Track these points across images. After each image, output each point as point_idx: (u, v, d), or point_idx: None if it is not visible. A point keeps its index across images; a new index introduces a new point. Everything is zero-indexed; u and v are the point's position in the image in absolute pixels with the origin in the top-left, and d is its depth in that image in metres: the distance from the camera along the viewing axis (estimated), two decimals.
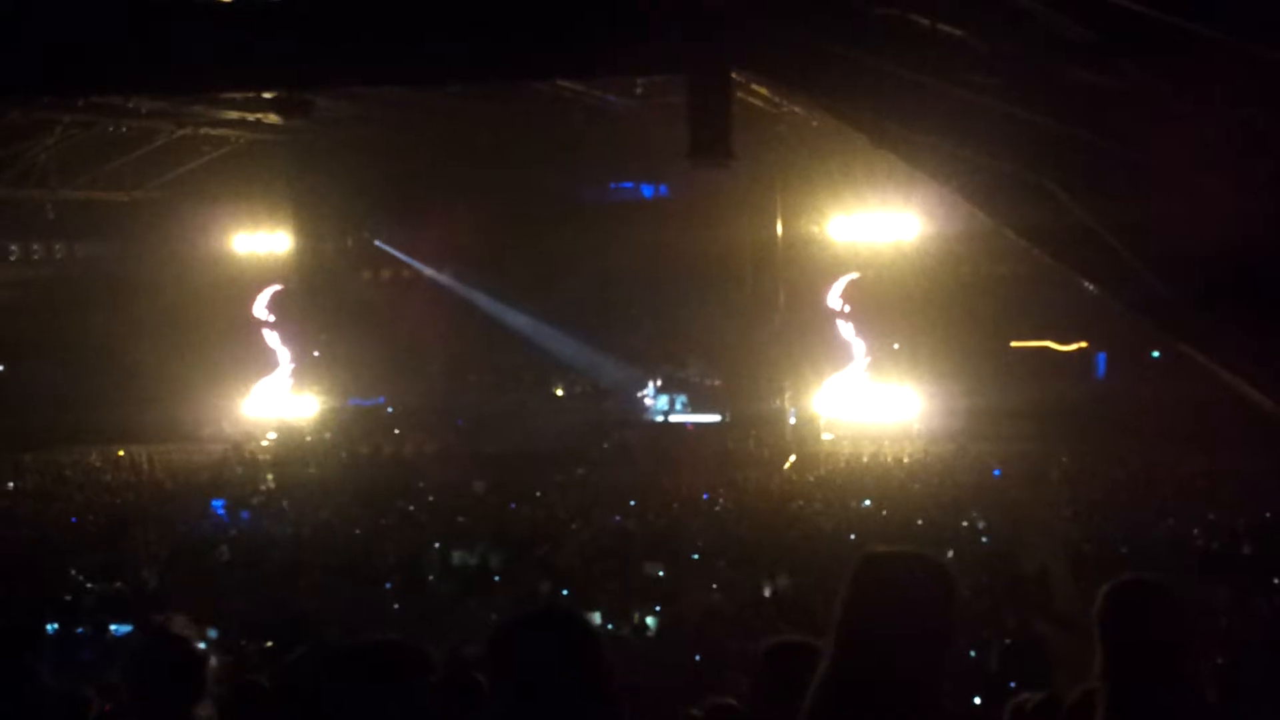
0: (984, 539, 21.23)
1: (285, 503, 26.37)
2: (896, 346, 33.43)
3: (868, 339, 33.93)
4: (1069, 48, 7.50)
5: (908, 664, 3.31)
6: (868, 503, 24.16)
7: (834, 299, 33.89)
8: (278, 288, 36.46)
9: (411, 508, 25.25)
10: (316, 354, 35.94)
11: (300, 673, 5.95)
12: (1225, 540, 20.41)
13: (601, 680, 3.42)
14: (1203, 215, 7.25)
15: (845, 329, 34.06)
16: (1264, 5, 5.42)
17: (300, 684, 5.63)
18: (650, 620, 16.80)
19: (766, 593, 18.05)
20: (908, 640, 3.31)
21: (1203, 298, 7.90)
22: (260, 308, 36.64)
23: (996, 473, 27.20)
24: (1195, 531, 21.18)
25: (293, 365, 36.41)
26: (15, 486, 28.58)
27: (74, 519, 24.21)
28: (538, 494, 26.12)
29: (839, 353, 33.99)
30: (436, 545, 21.18)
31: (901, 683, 3.29)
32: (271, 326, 36.75)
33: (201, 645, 4.63)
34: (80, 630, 16.47)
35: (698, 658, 15.17)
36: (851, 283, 33.61)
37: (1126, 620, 3.64)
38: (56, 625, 16.21)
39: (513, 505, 25.06)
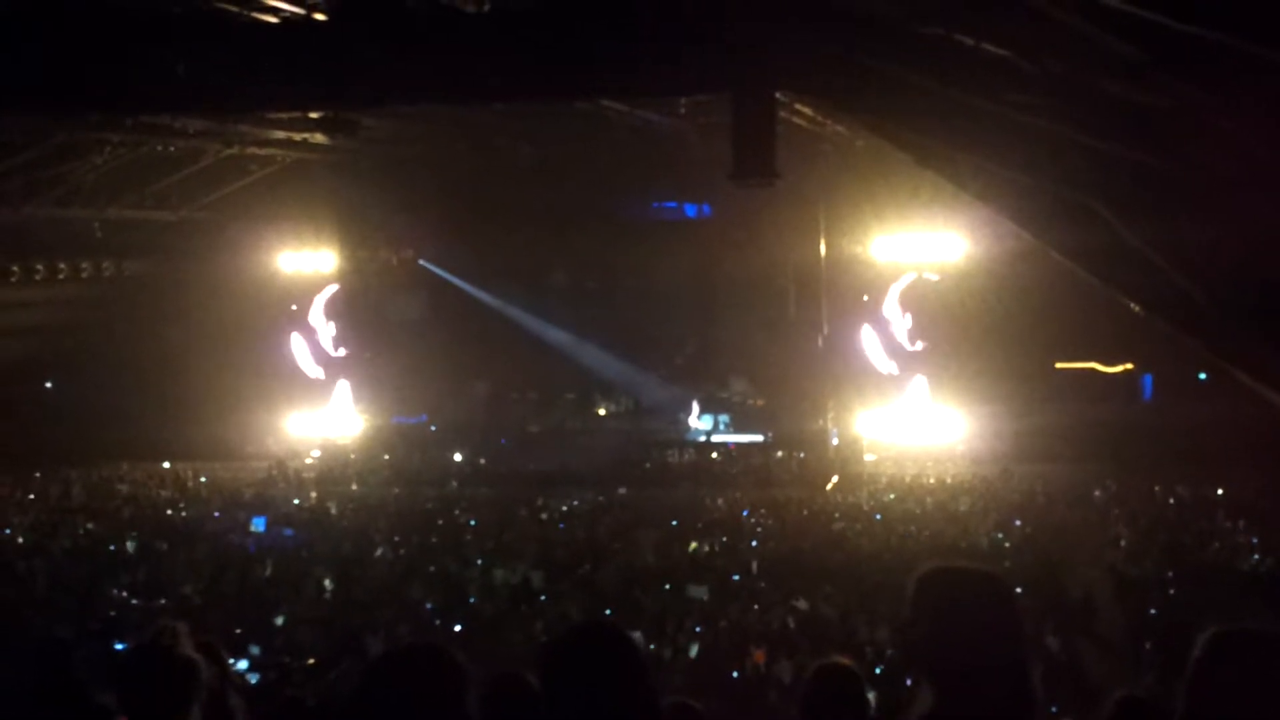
0: (1027, 560, 21.05)
1: (328, 520, 26.48)
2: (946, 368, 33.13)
3: (919, 352, 33.55)
4: (1115, 66, 7.45)
5: (1001, 679, 3.27)
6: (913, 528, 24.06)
7: (890, 305, 33.54)
8: (335, 288, 36.73)
9: (457, 511, 25.29)
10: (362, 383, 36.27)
11: (342, 689, 5.97)
12: (1272, 564, 20.17)
13: (647, 698, 3.42)
14: (1250, 234, 7.19)
15: (899, 333, 33.69)
16: None
17: (342, 700, 5.64)
18: (690, 641, 16.74)
19: (808, 614, 17.95)
20: (996, 654, 3.28)
21: (1249, 317, 7.82)
22: (315, 313, 36.87)
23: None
24: (1241, 555, 20.96)
25: (339, 382, 36.60)
26: (62, 502, 28.84)
27: (119, 534, 24.35)
28: (580, 513, 26.15)
29: (882, 373, 33.73)
30: (479, 563, 21.21)
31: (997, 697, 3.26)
32: (315, 336, 36.96)
33: (193, 654, 4.51)
34: (122, 646, 16.52)
35: (735, 674, 15.17)
36: (910, 285, 33.29)
37: (1229, 669, 3.45)
38: (100, 641, 16.27)
39: (561, 526, 25.10)
